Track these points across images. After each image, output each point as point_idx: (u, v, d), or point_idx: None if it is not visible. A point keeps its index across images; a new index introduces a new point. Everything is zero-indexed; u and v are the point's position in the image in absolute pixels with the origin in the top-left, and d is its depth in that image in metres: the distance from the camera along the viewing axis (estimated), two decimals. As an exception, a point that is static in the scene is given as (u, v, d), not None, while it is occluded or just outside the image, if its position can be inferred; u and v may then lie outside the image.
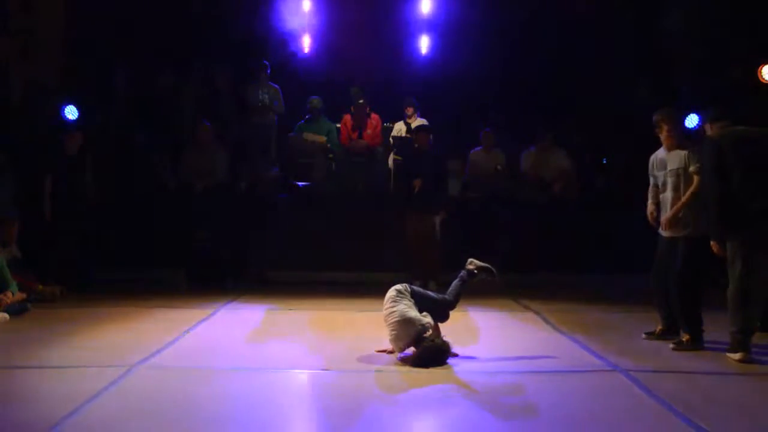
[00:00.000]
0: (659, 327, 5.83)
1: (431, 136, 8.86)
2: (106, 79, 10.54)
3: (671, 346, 5.44)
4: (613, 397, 4.22)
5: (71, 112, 8.93)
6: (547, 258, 9.04)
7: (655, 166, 5.80)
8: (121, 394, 4.13)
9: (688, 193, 5.44)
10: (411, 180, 8.49)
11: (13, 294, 6.47)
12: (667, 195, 5.63)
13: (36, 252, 7.69)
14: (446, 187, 8.85)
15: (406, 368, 4.81)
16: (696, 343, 5.41)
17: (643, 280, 8.69)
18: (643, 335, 5.86)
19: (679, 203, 5.47)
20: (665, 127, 5.60)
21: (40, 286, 7.15)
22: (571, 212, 9.44)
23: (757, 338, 5.58)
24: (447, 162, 9.10)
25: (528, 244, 9.10)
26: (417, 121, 10.20)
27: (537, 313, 6.86)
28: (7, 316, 6.17)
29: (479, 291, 8.06)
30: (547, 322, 6.44)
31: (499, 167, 9.86)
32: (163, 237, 8.82)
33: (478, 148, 10.09)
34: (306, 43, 11.26)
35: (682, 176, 5.51)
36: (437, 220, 8.46)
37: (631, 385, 4.41)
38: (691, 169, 5.44)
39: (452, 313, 6.66)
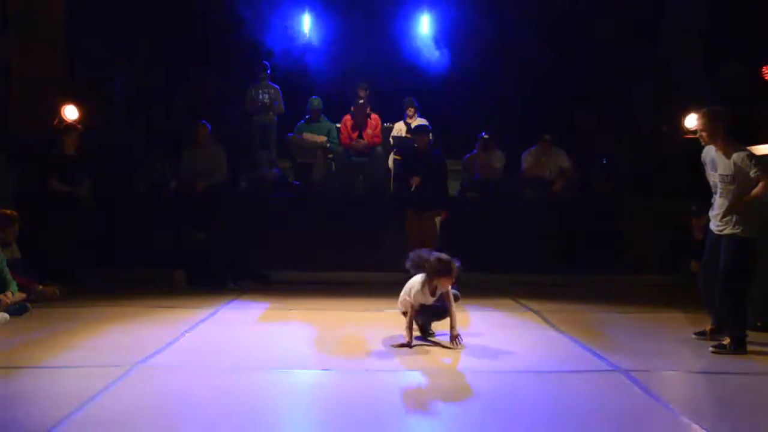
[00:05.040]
0: (709, 326, 5.63)
1: (431, 136, 8.86)
2: (106, 79, 10.56)
3: (711, 348, 5.23)
4: (613, 397, 4.22)
5: (71, 112, 8.93)
6: (547, 258, 9.04)
7: (707, 164, 5.43)
8: (121, 394, 4.13)
9: (754, 192, 5.12)
10: (410, 180, 8.49)
11: (13, 294, 6.46)
12: (717, 200, 5.37)
13: (36, 252, 7.68)
14: (446, 187, 8.86)
15: (407, 368, 4.81)
16: (738, 347, 5.17)
17: (642, 279, 8.79)
18: (693, 336, 5.67)
19: (757, 191, 5.10)
20: (704, 133, 5.30)
21: (40, 286, 7.14)
22: (571, 212, 9.44)
23: (757, 338, 5.61)
24: (446, 162, 9.10)
25: (528, 244, 9.10)
26: (417, 121, 10.21)
27: (537, 313, 6.86)
28: (7, 316, 6.16)
29: (479, 291, 8.12)
30: (547, 322, 6.43)
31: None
32: (163, 237, 8.82)
33: (478, 150, 10.10)
34: (306, 43, 11.29)
35: (730, 184, 5.23)
36: (437, 220, 8.47)
37: (631, 385, 4.41)
38: (754, 173, 5.09)
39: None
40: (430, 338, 5.66)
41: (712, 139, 5.30)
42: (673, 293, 7.75)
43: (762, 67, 8.77)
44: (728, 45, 9.56)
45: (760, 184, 5.12)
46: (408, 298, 5.45)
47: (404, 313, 5.58)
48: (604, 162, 10.54)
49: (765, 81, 8.73)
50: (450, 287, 5.43)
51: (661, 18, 10.95)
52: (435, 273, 5.31)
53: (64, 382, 4.35)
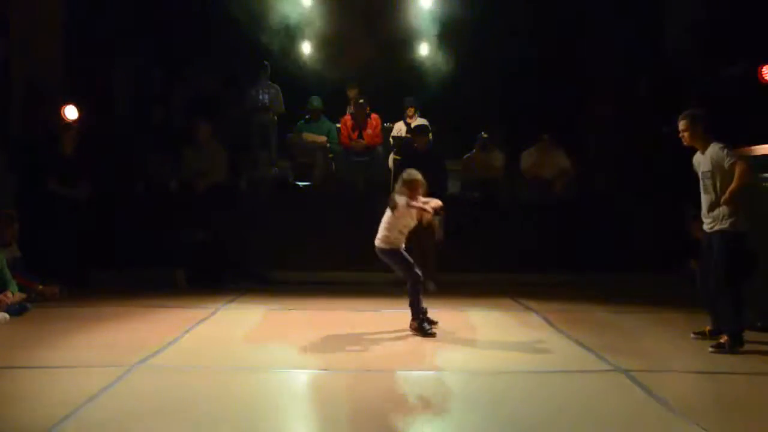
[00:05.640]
0: (708, 327, 5.66)
1: (431, 136, 8.87)
2: (106, 79, 10.56)
3: (710, 348, 5.27)
4: (613, 397, 4.22)
5: (71, 112, 8.93)
6: (547, 258, 9.03)
7: (696, 167, 5.62)
8: (120, 394, 4.13)
9: (733, 183, 5.20)
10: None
11: (13, 294, 6.47)
12: (702, 197, 5.50)
13: (36, 252, 7.68)
14: (445, 187, 8.86)
15: (406, 369, 4.82)
16: (735, 344, 5.23)
17: (642, 279, 8.78)
18: (692, 335, 5.70)
19: (733, 186, 5.20)
20: (686, 134, 5.50)
21: (40, 286, 7.14)
22: (571, 212, 9.43)
23: (757, 337, 5.62)
24: (446, 162, 9.10)
25: (528, 244, 9.09)
26: (417, 121, 10.22)
27: (537, 313, 6.86)
28: (7, 316, 6.17)
29: (479, 291, 8.13)
30: (547, 322, 6.43)
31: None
32: (163, 237, 8.81)
33: (476, 149, 10.10)
34: (306, 43, 11.30)
35: (709, 179, 5.39)
36: (437, 219, 8.46)
37: (631, 385, 4.41)
38: (728, 163, 5.23)
39: (452, 314, 6.72)
40: (431, 327, 5.84)
41: (693, 139, 5.52)
42: (673, 293, 7.74)
43: (760, 67, 8.75)
44: (728, 46, 9.54)
45: (737, 173, 5.21)
46: (400, 203, 5.82)
47: (385, 251, 5.99)
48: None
49: (763, 81, 8.71)
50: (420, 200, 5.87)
51: (663, 19, 10.94)
52: (404, 186, 5.82)
53: (64, 382, 4.35)
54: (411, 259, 5.95)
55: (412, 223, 5.99)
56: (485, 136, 10.01)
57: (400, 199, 5.84)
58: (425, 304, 5.97)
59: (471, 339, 5.82)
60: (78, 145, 8.43)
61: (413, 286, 5.88)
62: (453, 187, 9.64)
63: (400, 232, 5.97)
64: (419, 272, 5.90)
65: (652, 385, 4.33)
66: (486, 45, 10.91)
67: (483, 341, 5.75)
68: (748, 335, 5.43)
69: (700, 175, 5.53)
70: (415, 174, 5.91)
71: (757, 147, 6.18)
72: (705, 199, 5.49)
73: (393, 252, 5.95)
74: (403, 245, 6.03)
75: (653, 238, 8.97)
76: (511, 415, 3.88)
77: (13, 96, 9.48)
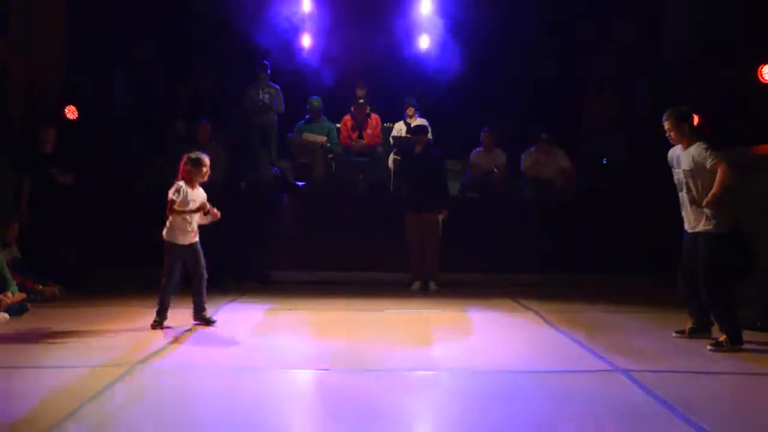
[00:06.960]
0: (689, 325, 5.70)
1: (431, 136, 8.87)
2: (106, 79, 10.56)
3: (709, 347, 5.28)
4: (613, 397, 4.22)
5: (71, 112, 8.93)
6: (547, 258, 9.03)
7: (672, 163, 5.60)
8: (121, 394, 4.13)
9: (715, 185, 5.17)
10: (410, 180, 8.50)
11: (13, 294, 6.47)
12: (683, 194, 5.49)
13: (36, 252, 7.68)
14: (446, 187, 8.86)
15: (407, 369, 4.81)
16: (734, 343, 5.24)
17: (642, 279, 8.78)
18: (674, 334, 5.73)
19: (715, 190, 5.17)
20: (672, 133, 5.45)
21: (40, 286, 7.15)
22: (571, 212, 9.43)
23: (757, 337, 5.61)
24: (446, 162, 9.10)
25: (528, 244, 9.09)
26: (417, 121, 10.21)
27: (537, 313, 6.85)
28: (7, 316, 6.17)
29: (479, 291, 8.13)
30: (547, 322, 6.43)
31: (495, 169, 9.75)
32: (163, 237, 8.80)
33: (479, 148, 10.09)
34: (306, 43, 11.29)
35: (690, 177, 5.37)
36: (439, 218, 8.47)
37: (631, 385, 4.41)
38: (710, 163, 5.21)
39: (451, 313, 6.72)
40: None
41: (680, 138, 5.47)
42: (673, 293, 7.71)
43: (759, 68, 8.75)
44: (728, 46, 9.55)
45: (718, 175, 5.18)
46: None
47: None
48: (605, 162, 10.53)
49: (762, 82, 8.71)
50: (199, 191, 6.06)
51: (662, 18, 10.95)
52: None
53: (64, 382, 4.34)
54: (170, 261, 6.01)
55: (191, 216, 6.02)
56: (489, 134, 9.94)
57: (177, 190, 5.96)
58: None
59: (471, 339, 5.82)
60: (58, 143, 8.36)
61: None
62: (453, 187, 9.64)
63: (185, 220, 6.04)
64: (166, 279, 5.97)
65: (652, 385, 4.33)
66: (487, 45, 10.90)
67: (483, 341, 5.75)
68: (748, 335, 5.43)
69: (681, 172, 5.47)
70: (192, 155, 6.06)
71: (758, 147, 6.18)
72: (685, 198, 5.48)
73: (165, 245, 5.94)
74: (188, 240, 6.09)
75: (653, 239, 8.96)
76: (511, 415, 3.88)
77: (13, 96, 9.49)
